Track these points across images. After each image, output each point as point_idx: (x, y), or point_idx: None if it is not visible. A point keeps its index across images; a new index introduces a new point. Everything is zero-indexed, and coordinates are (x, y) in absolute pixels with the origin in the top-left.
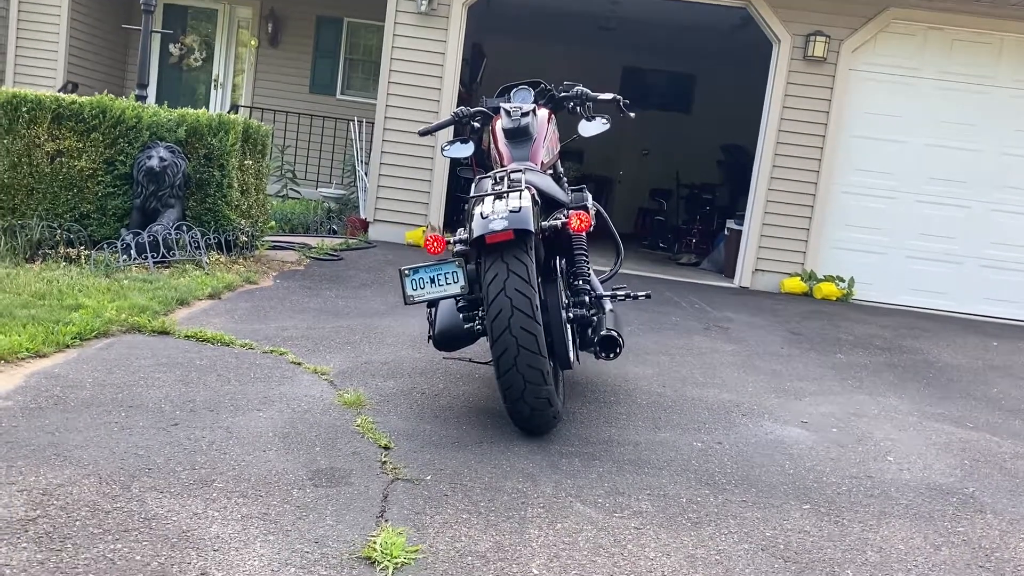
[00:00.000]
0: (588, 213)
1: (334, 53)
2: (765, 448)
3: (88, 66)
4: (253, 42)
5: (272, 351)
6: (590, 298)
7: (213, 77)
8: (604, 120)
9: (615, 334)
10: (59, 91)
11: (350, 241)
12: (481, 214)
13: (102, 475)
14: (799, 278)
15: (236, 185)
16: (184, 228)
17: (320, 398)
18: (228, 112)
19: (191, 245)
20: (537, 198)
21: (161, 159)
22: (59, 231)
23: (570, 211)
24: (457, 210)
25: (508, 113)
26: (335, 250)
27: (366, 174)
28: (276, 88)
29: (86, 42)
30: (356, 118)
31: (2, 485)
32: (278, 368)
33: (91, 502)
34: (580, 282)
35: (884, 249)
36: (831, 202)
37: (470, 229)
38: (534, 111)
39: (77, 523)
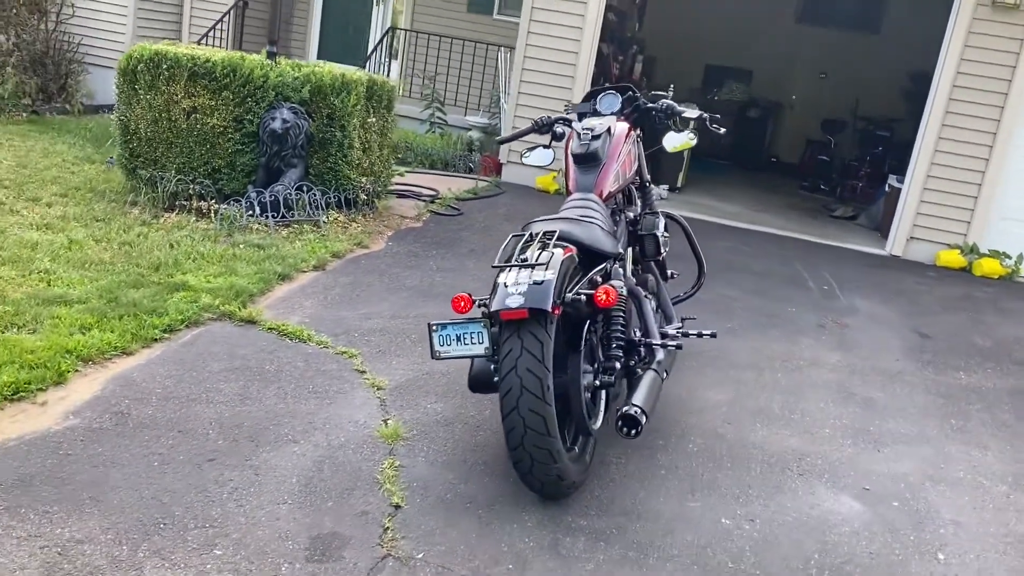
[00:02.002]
0: (659, 242)
1: None
2: (800, 531)
3: None
4: None
5: (343, 352)
6: (621, 364)
7: None
8: (691, 135)
9: (636, 412)
10: (231, 9)
11: (479, 185)
12: (504, 284)
13: (120, 530)
14: (958, 251)
15: (357, 144)
16: (304, 188)
17: (363, 425)
18: (385, 34)
19: (311, 205)
20: (575, 256)
21: (284, 121)
22: (192, 185)
23: (611, 274)
24: None
25: (579, 136)
26: (459, 200)
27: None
28: (434, 6)
29: None
30: (503, 47)
31: (31, 538)
32: (340, 378)
33: (95, 568)
34: (614, 346)
35: None
36: (1007, 167)
37: (491, 299)
38: (609, 130)
39: None
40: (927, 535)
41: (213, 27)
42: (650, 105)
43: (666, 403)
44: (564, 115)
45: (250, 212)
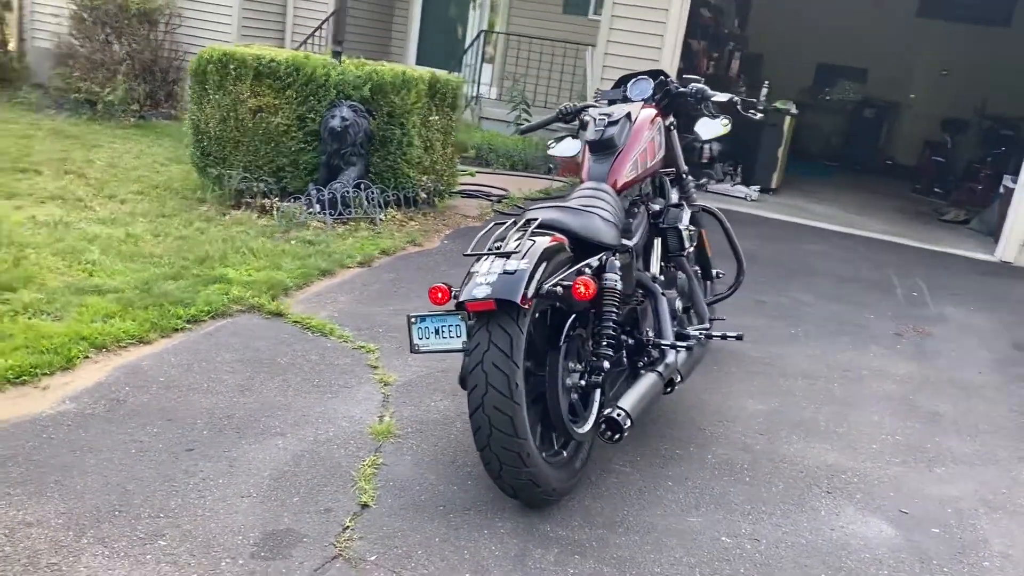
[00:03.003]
0: (682, 236)
1: None
2: (811, 555)
3: None
4: None
5: (361, 347)
6: (611, 363)
7: None
8: (725, 121)
9: (620, 415)
10: (330, 15)
11: (554, 186)
12: (475, 273)
13: (73, 515)
14: None
15: (418, 142)
16: (362, 186)
17: (358, 421)
18: (477, 37)
19: (368, 202)
20: (566, 246)
21: (343, 119)
22: (255, 183)
23: (606, 266)
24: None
25: (594, 121)
26: (527, 200)
27: None
28: (531, 9)
29: None
30: (592, 47)
31: None
32: (350, 372)
33: (35, 552)
34: (603, 344)
35: None
36: None
37: (461, 289)
38: (628, 115)
39: None
40: (966, 568)
41: (313, 33)
42: (681, 89)
43: (695, 410)
44: (592, 103)
45: (309, 209)
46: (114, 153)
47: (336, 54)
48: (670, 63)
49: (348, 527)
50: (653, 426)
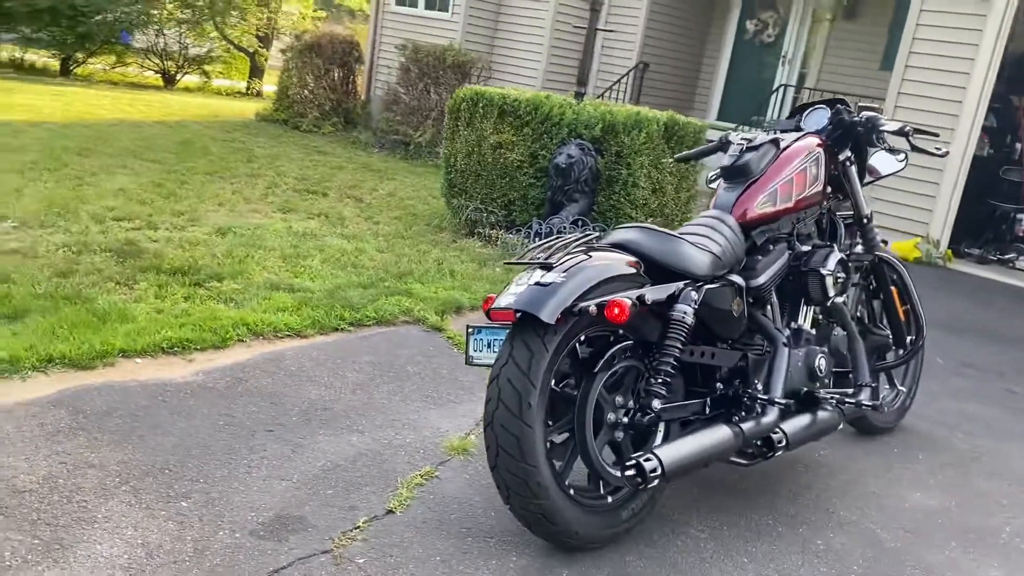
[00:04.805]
0: (825, 282)
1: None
2: None
3: (662, 47)
4: (828, 15)
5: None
6: (653, 397)
7: (782, 53)
8: (902, 157)
9: (651, 464)
10: (631, 70)
11: None
12: (513, 283)
13: (130, 466)
14: None
15: (644, 183)
16: (579, 223)
17: (442, 433)
18: (774, 91)
19: None
20: (639, 269)
21: (569, 156)
22: (486, 214)
23: (681, 296)
24: (983, 218)
25: (732, 146)
26: None
27: None
28: (845, 65)
29: (663, 24)
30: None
31: (63, 453)
32: (468, 389)
33: (78, 488)
34: (660, 380)
35: None
36: None
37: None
38: (776, 142)
39: (29, 504)
40: None
41: (614, 84)
42: (854, 119)
43: (834, 490)
44: (755, 133)
45: (528, 241)
46: (400, 185)
47: (578, 95)
48: (971, 119)
49: (359, 527)
50: (766, 496)
